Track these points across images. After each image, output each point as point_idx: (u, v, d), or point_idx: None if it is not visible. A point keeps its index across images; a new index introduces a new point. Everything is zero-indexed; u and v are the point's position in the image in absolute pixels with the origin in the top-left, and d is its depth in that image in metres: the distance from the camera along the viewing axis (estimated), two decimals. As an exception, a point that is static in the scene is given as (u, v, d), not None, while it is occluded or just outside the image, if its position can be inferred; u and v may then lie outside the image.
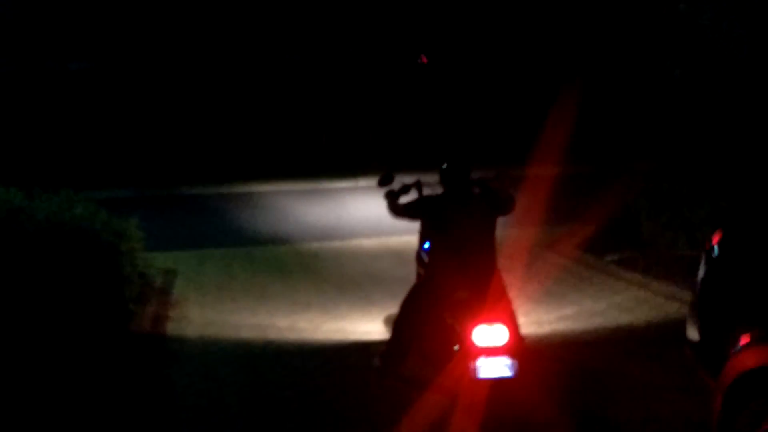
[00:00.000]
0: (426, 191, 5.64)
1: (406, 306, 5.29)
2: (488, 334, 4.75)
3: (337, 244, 10.12)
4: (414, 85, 18.17)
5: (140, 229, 7.71)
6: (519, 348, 4.80)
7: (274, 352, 6.26)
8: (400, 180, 5.68)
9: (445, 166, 5.31)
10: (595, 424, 4.97)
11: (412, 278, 6.05)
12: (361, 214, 11.85)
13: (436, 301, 5.16)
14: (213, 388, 5.54)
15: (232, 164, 15.85)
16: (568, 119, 13.10)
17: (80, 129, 16.59)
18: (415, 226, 5.77)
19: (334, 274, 8.64)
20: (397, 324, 5.30)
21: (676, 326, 6.41)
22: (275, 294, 7.85)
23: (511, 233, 9.16)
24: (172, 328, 6.84)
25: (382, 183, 5.61)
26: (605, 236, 9.46)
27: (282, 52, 18.19)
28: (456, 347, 4.96)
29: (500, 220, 5.33)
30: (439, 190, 5.41)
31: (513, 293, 5.24)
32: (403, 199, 5.53)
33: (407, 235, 7.31)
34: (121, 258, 6.94)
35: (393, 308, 5.62)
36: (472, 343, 4.74)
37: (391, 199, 5.50)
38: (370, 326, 6.76)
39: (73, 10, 16.82)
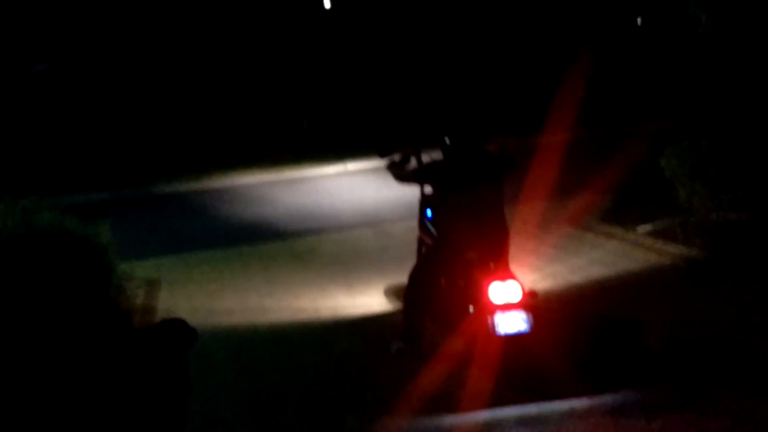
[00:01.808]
0: (425, 158, 5.73)
1: (416, 275, 5.30)
2: (503, 290, 4.84)
3: (335, 236, 9.10)
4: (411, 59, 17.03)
5: (115, 235, 6.68)
6: (533, 303, 4.91)
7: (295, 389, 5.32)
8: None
9: (448, 141, 5.30)
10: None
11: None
12: (356, 200, 10.88)
13: (448, 263, 5.24)
14: None
15: (210, 157, 14.79)
16: (579, 81, 12.16)
17: (47, 132, 15.50)
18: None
19: (340, 273, 7.52)
20: (407, 296, 5.29)
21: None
22: (278, 306, 6.78)
23: (522, 209, 8.22)
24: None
25: (382, 153, 5.72)
26: (632, 205, 8.58)
27: (253, 38, 17.11)
28: (471, 307, 5.01)
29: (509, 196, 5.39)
30: (437, 157, 5.49)
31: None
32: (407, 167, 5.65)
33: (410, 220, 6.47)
34: (93, 272, 5.92)
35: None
36: (489, 301, 4.82)
37: (396, 168, 5.63)
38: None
39: (34, 11, 15.72)
